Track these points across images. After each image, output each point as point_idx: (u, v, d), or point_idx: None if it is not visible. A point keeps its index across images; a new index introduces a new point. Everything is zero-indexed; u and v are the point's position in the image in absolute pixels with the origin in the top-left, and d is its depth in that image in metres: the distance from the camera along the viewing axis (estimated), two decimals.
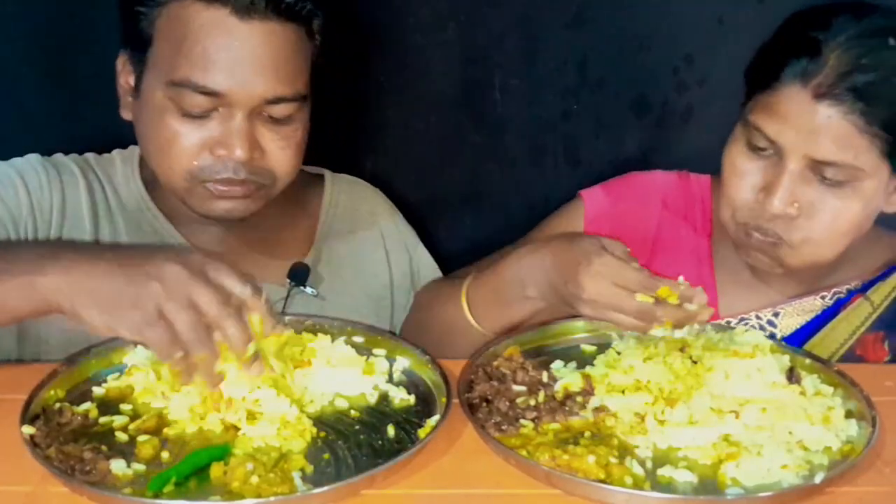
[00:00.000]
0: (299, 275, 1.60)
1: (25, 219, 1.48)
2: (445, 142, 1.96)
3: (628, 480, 1.11)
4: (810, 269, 1.49)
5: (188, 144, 1.42)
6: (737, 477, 1.12)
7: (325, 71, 1.52)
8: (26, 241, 1.46)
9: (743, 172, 1.44)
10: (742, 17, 1.80)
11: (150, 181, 1.59)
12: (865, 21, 1.36)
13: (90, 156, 1.63)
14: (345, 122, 1.90)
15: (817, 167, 1.37)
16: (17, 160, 1.55)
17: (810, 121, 1.35)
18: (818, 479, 1.10)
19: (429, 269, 1.79)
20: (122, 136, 1.61)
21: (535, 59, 1.88)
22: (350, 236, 1.72)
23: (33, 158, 1.55)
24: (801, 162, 1.38)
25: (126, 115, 1.52)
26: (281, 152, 1.46)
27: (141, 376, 1.26)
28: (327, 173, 1.76)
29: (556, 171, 1.95)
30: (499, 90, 1.91)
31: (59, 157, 1.59)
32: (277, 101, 1.42)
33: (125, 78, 1.51)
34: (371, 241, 1.74)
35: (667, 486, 1.12)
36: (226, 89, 1.39)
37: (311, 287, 1.60)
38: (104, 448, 1.13)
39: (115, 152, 1.64)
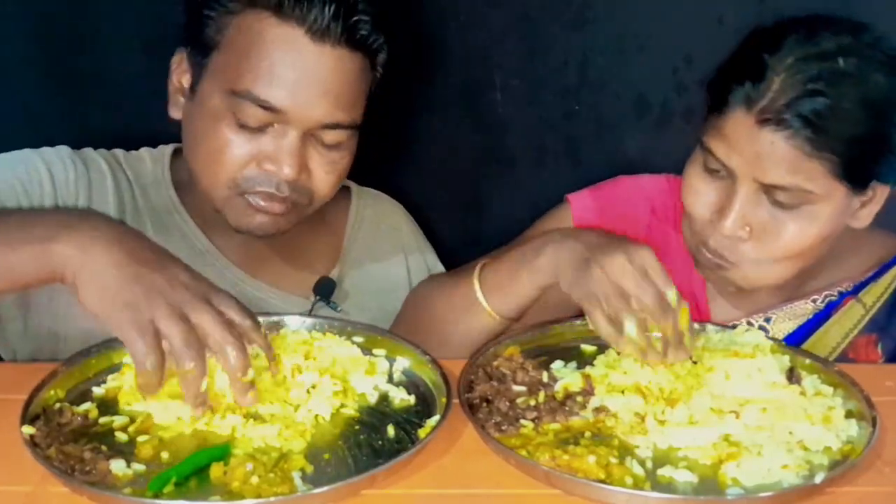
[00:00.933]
0: (325, 290, 1.61)
1: None
2: (446, 142, 1.97)
3: (628, 480, 1.11)
4: (763, 289, 1.49)
5: (238, 154, 1.42)
6: (737, 477, 1.12)
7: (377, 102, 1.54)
8: (53, 208, 1.45)
9: (699, 193, 1.44)
10: (742, 18, 1.79)
11: (181, 184, 1.58)
12: (814, 42, 1.34)
13: (119, 152, 1.61)
14: None
15: (768, 190, 1.37)
16: (47, 150, 1.53)
17: (755, 146, 1.34)
18: (818, 479, 1.10)
19: None
20: (124, 135, 1.61)
21: (535, 60, 1.89)
22: (374, 252, 1.72)
23: (64, 151, 1.53)
24: (752, 185, 1.37)
25: (175, 113, 1.51)
26: (326, 176, 1.47)
27: (130, 376, 1.25)
28: (353, 186, 1.76)
29: (557, 171, 1.96)
30: (499, 90, 1.91)
31: (88, 151, 1.58)
32: (334, 126, 1.44)
33: (178, 77, 1.50)
34: (394, 257, 1.74)
35: (667, 487, 1.11)
36: (287, 107, 1.39)
37: (335, 302, 1.61)
38: (104, 448, 1.13)
39: (145, 151, 1.63)
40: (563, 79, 1.89)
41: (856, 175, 1.36)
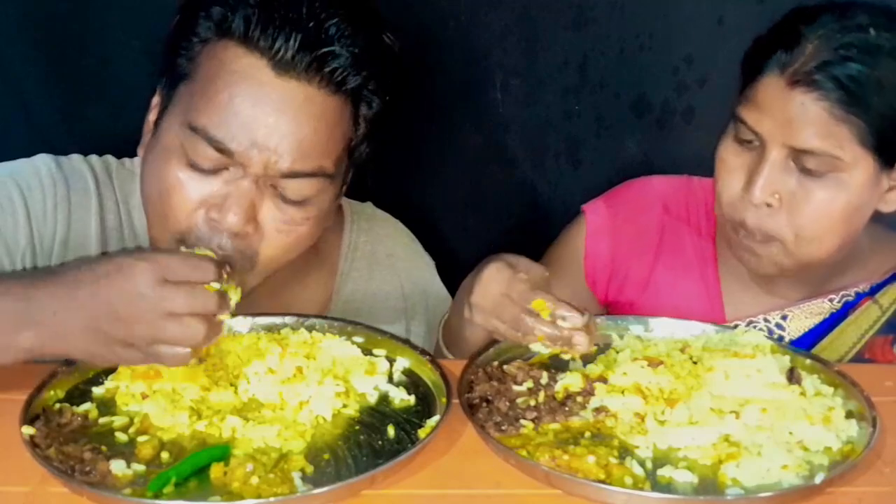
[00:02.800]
0: None
1: (24, 250, 1.37)
2: (446, 142, 1.97)
3: (628, 480, 1.11)
4: (804, 268, 1.49)
5: (186, 198, 1.29)
6: (737, 477, 1.12)
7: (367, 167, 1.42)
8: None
9: (730, 166, 1.46)
10: (742, 17, 1.80)
11: None
12: (849, 16, 1.38)
13: (112, 163, 1.50)
14: None
15: (797, 157, 1.39)
16: (26, 169, 1.42)
17: (786, 108, 1.37)
18: (818, 479, 1.10)
19: (441, 301, 1.69)
20: (125, 136, 1.60)
21: (535, 60, 1.89)
22: (368, 286, 1.62)
23: (45, 169, 1.42)
24: (782, 151, 1.39)
25: (142, 153, 1.41)
26: (276, 235, 1.31)
27: (126, 374, 1.25)
28: (347, 208, 1.64)
29: (558, 172, 1.96)
30: (500, 90, 1.91)
31: (76, 162, 1.46)
32: (293, 175, 1.28)
33: (153, 115, 1.39)
34: (389, 288, 1.64)
35: (667, 487, 1.11)
36: (238, 149, 1.26)
37: None
38: (104, 448, 1.13)
39: (138, 163, 1.48)
40: (563, 79, 1.89)
41: (885, 147, 1.38)
